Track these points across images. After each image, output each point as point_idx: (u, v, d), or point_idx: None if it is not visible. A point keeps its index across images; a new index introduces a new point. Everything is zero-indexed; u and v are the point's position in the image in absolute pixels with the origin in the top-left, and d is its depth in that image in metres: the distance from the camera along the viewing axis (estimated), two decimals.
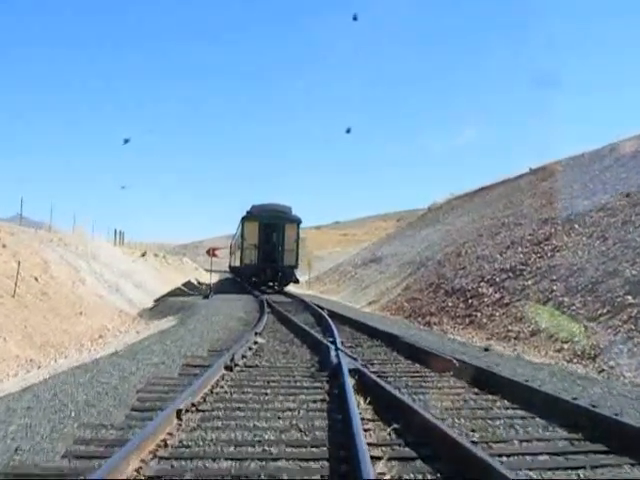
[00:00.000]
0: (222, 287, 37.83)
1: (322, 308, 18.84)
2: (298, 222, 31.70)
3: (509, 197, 34.57)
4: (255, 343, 11.14)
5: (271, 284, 31.17)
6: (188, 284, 54.41)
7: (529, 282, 20.31)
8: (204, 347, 10.95)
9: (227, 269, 51.83)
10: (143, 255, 53.04)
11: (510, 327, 17.88)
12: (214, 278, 65.25)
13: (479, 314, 20.42)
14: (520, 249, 23.94)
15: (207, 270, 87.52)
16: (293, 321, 14.76)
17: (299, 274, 65.66)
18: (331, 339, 11.25)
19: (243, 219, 31.97)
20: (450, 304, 23.06)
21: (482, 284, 22.69)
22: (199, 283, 59.43)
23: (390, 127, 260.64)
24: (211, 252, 26.04)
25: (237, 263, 35.52)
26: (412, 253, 35.81)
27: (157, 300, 29.22)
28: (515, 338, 17.11)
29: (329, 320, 14.66)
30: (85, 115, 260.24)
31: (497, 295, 20.98)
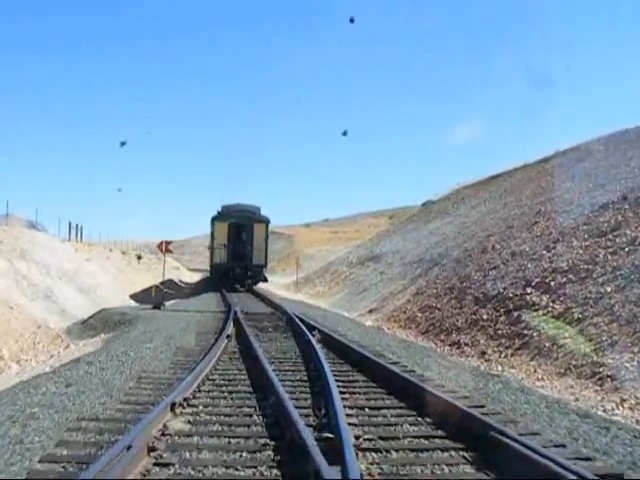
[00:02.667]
0: (193, 291, 31.40)
1: (313, 329, 12.40)
2: (267, 222, 31.35)
3: (536, 182, 28.25)
4: (151, 451, 4.65)
5: (242, 283, 29.89)
6: (168, 282, 48.32)
7: (608, 288, 13.91)
8: (22, 465, 4.44)
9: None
10: (139, 258, 47.47)
11: (598, 358, 11.48)
12: (196, 278, 58.49)
13: (535, 333, 14.02)
14: (576, 242, 17.59)
15: (190, 270, 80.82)
16: (260, 362, 8.26)
17: (286, 275, 59.35)
18: (328, 433, 4.82)
19: (213, 219, 31.56)
20: (485, 317, 16.66)
21: (529, 289, 16.35)
22: (179, 281, 53.56)
23: (384, 125, 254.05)
24: (163, 247, 19.45)
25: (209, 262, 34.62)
26: (419, 250, 29.40)
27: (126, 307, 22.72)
28: (611, 378, 10.70)
29: (323, 360, 8.21)
30: (76, 117, 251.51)
31: (558, 306, 14.58)
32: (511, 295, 16.73)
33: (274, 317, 16.20)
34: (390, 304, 23.62)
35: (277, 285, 50.56)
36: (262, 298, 24.40)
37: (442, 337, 17.24)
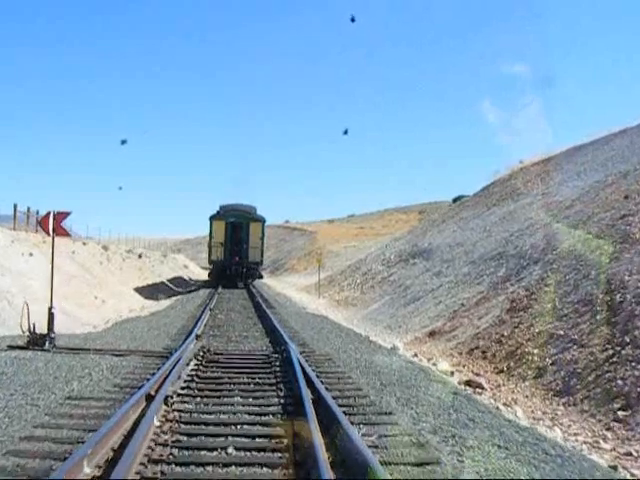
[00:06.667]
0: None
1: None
2: (263, 221, 31.79)
3: None
4: None
5: (239, 279, 29.79)
6: (177, 279, 41.89)
7: None
8: None
9: None
10: (140, 256, 40.44)
11: None
12: (205, 277, 49.99)
13: None
14: None
15: (203, 268, 72.09)
16: None
17: (308, 274, 50.20)
18: None
19: (211, 218, 31.54)
20: None
21: None
22: (189, 279, 46.92)
23: (403, 120, 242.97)
24: (49, 224, 10.24)
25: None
26: (492, 241, 20.08)
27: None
28: None
29: None
30: (79, 116, 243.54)
31: None
32: None
33: (265, 373, 7.05)
34: (466, 324, 14.35)
35: (296, 287, 41.53)
36: (263, 311, 15.19)
37: (619, 413, 7.94)
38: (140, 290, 28.38)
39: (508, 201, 24.75)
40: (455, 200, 49.65)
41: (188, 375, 6.81)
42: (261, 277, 32.67)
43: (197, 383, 6.50)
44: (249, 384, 6.63)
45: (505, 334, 12.60)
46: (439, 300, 17.72)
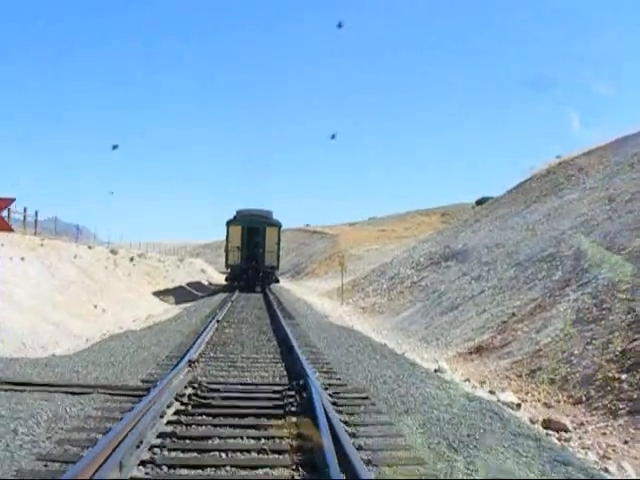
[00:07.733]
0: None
1: None
2: (279, 226, 31.80)
3: None
4: None
5: (255, 283, 29.55)
6: (193, 284, 40.33)
7: None
8: None
9: None
10: (131, 259, 38.92)
11: None
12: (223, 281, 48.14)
13: None
14: None
15: (221, 272, 69.99)
16: None
17: (330, 278, 47.87)
18: None
19: (228, 223, 31.64)
20: None
21: None
22: (209, 283, 45.22)
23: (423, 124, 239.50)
24: None
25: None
26: (539, 240, 17.58)
27: None
28: None
29: None
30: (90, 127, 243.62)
31: None
32: None
33: (275, 427, 4.74)
34: (522, 339, 11.89)
35: (318, 292, 39.14)
36: (279, 323, 12.78)
37: None
38: (151, 296, 26.31)
39: (551, 197, 22.19)
40: (479, 202, 46.72)
41: (158, 436, 4.50)
42: (277, 281, 32.67)
43: (168, 451, 4.20)
44: (249, 452, 4.29)
45: (575, 352, 10.13)
46: (482, 308, 15.25)
